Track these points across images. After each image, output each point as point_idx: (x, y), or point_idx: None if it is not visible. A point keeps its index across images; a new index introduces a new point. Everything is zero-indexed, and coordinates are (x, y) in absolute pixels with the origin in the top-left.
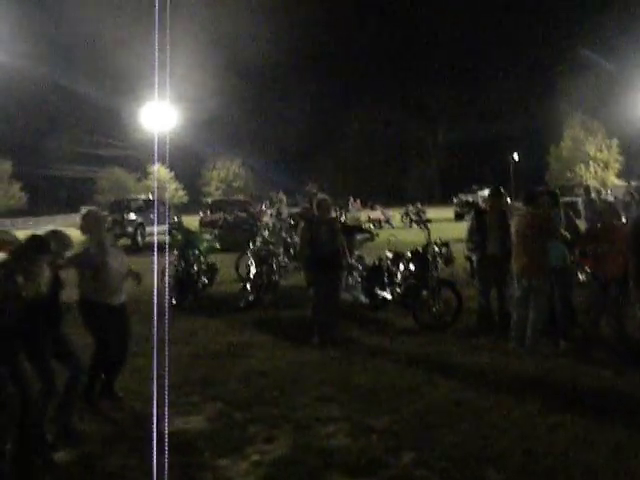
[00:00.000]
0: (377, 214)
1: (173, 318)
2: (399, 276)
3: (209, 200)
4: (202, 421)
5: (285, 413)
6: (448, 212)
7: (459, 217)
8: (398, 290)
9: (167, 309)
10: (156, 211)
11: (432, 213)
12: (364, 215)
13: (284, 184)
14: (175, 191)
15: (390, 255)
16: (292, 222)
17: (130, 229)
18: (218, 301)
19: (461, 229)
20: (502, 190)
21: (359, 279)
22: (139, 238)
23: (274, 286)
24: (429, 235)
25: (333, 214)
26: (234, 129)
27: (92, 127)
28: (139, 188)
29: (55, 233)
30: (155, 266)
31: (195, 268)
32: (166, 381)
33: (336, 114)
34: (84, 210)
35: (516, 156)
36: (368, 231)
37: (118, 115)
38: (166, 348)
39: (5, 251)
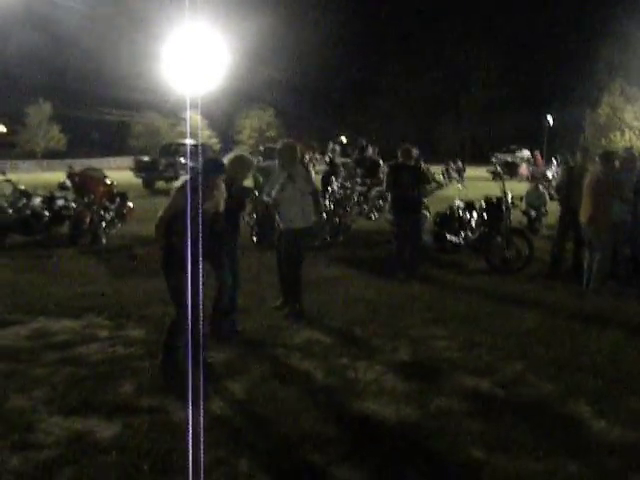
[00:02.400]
0: None
1: (259, 254)
2: (472, 223)
3: (261, 147)
4: (328, 333)
5: (399, 331)
6: (481, 171)
7: (496, 177)
8: (471, 235)
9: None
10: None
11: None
12: None
13: (317, 135)
14: (208, 139)
15: (461, 204)
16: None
17: (182, 172)
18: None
19: (490, 189)
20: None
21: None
22: None
23: (347, 228)
24: (504, 187)
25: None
26: (268, 79)
27: (129, 71)
28: (173, 134)
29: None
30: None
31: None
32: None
33: (370, 68)
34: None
35: (550, 119)
36: (438, 182)
37: (156, 60)
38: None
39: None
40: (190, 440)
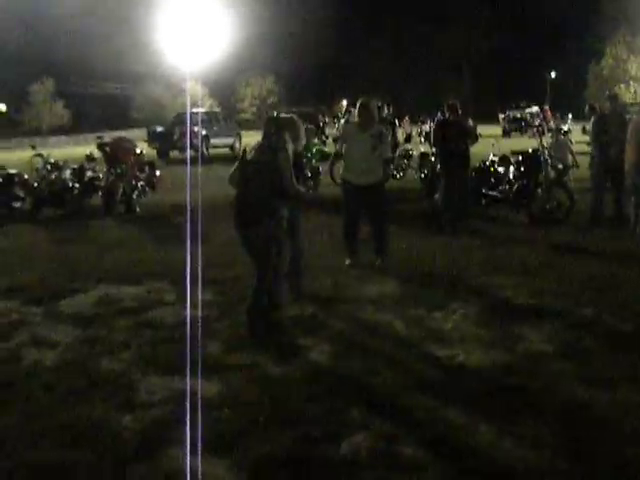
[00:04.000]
0: (427, 128)
1: None
2: (510, 176)
3: (275, 113)
4: (395, 287)
5: (464, 281)
6: (488, 129)
7: (507, 133)
8: (508, 189)
9: None
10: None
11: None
12: (415, 130)
13: (318, 100)
14: (210, 108)
15: (495, 158)
16: None
17: (195, 141)
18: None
19: (512, 144)
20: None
21: None
22: (204, 150)
23: None
24: (541, 140)
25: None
26: (266, 45)
27: (129, 44)
28: (176, 105)
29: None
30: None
31: (307, 172)
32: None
33: (367, 29)
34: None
35: (553, 74)
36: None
37: (155, 32)
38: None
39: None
40: (295, 392)
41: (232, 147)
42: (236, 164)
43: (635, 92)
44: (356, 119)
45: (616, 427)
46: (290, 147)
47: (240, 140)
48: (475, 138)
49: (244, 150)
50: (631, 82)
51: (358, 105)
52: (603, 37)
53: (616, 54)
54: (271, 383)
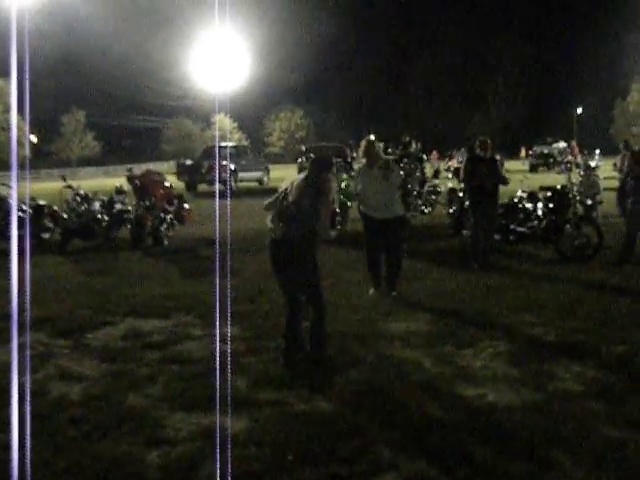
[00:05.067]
0: (455, 163)
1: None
2: (539, 212)
3: (303, 147)
4: (423, 324)
5: (492, 319)
6: (515, 164)
7: (534, 169)
8: (536, 225)
9: None
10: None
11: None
12: (443, 165)
13: (346, 134)
14: (239, 141)
15: (524, 194)
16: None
17: (224, 175)
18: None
19: (540, 180)
20: None
21: None
22: (233, 184)
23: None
24: (570, 176)
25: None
26: (296, 80)
27: (159, 77)
28: (204, 138)
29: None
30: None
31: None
32: None
33: (397, 66)
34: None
35: (580, 110)
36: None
37: (184, 65)
38: None
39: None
40: (323, 430)
41: (260, 181)
42: (276, 195)
43: None
44: (362, 158)
45: None
46: (334, 189)
47: (268, 174)
48: (504, 181)
49: (286, 189)
50: None
51: (363, 144)
52: (628, 73)
53: None
54: (299, 420)
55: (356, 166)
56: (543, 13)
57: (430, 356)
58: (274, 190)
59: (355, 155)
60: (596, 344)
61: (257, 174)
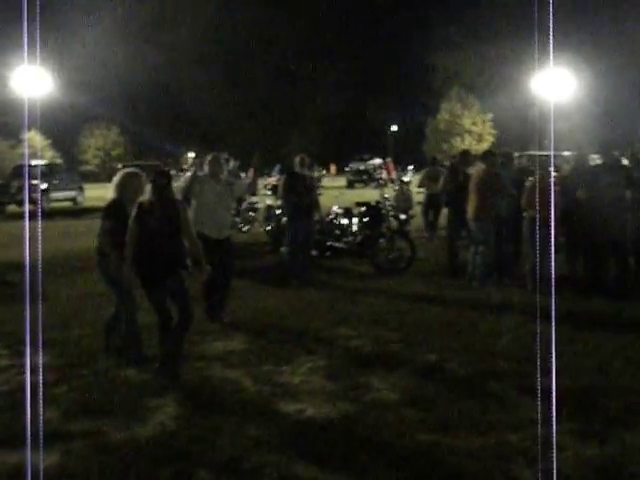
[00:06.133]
0: (273, 180)
1: None
2: (355, 227)
3: (120, 165)
4: (242, 342)
5: (310, 334)
6: (335, 181)
7: (351, 185)
8: (352, 240)
9: None
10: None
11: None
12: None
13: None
14: (51, 159)
15: (339, 210)
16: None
17: (35, 195)
18: None
19: (357, 196)
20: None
21: None
22: (44, 204)
23: None
24: (383, 192)
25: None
26: (112, 96)
27: None
28: (14, 156)
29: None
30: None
31: None
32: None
33: (214, 82)
34: None
35: (394, 127)
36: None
37: None
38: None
39: None
40: (141, 457)
41: (74, 200)
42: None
43: (470, 144)
44: (207, 172)
45: (457, 472)
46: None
47: (83, 193)
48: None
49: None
50: (466, 134)
51: (209, 159)
52: (438, 93)
53: (451, 109)
54: (116, 450)
55: (186, 176)
56: (356, 31)
57: (249, 375)
58: (89, 210)
59: (174, 173)
60: (410, 353)
61: (71, 193)
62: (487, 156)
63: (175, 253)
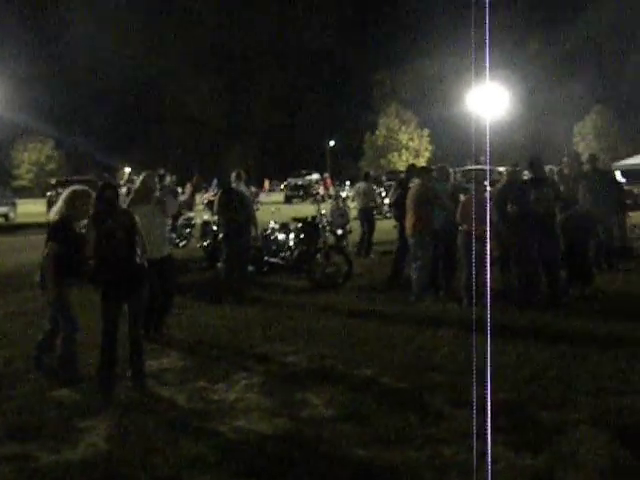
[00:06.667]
0: (210, 195)
1: None
2: (291, 243)
3: (53, 180)
4: (177, 360)
5: (247, 351)
6: (273, 196)
7: (289, 200)
8: (289, 255)
9: None
10: None
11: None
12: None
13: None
14: None
15: (276, 225)
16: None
17: None
18: None
19: (294, 211)
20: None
21: None
22: None
23: None
24: (319, 208)
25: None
26: (45, 110)
27: None
28: None
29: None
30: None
31: None
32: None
33: (153, 96)
34: None
35: (332, 142)
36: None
37: None
38: None
39: None
40: None
41: (6, 216)
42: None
43: (407, 160)
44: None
45: None
46: None
47: (15, 209)
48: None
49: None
50: (403, 150)
51: (141, 177)
52: (375, 109)
53: (389, 125)
54: (46, 474)
55: (122, 192)
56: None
57: (183, 392)
58: (22, 226)
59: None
60: (346, 369)
61: (3, 209)
62: (422, 171)
63: (136, 264)
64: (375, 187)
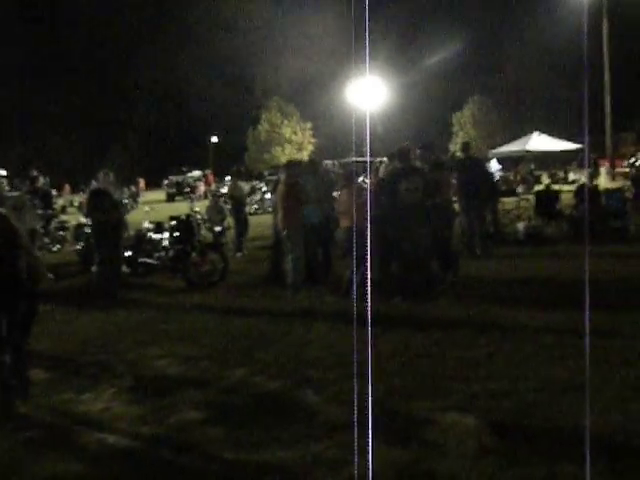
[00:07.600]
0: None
1: None
2: (165, 242)
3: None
4: (44, 370)
5: (117, 357)
6: (155, 194)
7: (171, 198)
8: (164, 255)
9: None
10: None
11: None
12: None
13: None
14: None
15: (150, 225)
16: None
17: None
18: None
19: (173, 209)
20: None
21: None
22: None
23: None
24: (192, 206)
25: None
26: None
27: None
28: None
29: None
30: None
31: None
32: None
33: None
34: None
35: (215, 138)
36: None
37: None
38: None
39: None
40: None
41: None
42: None
43: (290, 153)
44: None
45: None
46: None
47: None
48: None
49: None
50: (286, 144)
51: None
52: (259, 104)
53: (271, 119)
54: None
55: None
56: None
57: (45, 407)
58: None
59: None
60: (218, 370)
61: None
62: (287, 167)
63: (14, 275)
64: (257, 183)
